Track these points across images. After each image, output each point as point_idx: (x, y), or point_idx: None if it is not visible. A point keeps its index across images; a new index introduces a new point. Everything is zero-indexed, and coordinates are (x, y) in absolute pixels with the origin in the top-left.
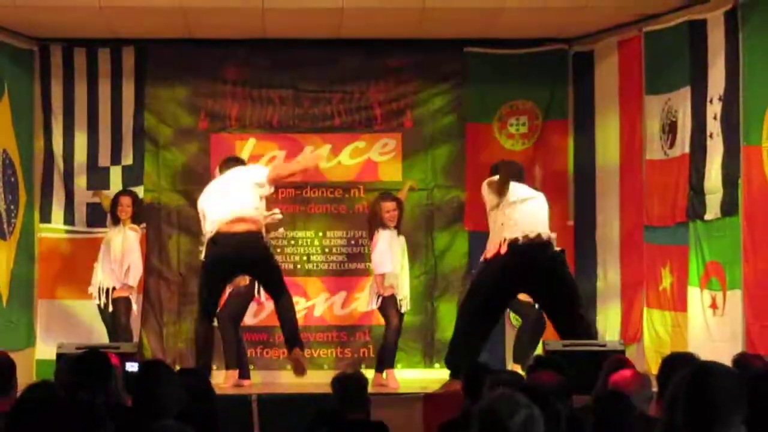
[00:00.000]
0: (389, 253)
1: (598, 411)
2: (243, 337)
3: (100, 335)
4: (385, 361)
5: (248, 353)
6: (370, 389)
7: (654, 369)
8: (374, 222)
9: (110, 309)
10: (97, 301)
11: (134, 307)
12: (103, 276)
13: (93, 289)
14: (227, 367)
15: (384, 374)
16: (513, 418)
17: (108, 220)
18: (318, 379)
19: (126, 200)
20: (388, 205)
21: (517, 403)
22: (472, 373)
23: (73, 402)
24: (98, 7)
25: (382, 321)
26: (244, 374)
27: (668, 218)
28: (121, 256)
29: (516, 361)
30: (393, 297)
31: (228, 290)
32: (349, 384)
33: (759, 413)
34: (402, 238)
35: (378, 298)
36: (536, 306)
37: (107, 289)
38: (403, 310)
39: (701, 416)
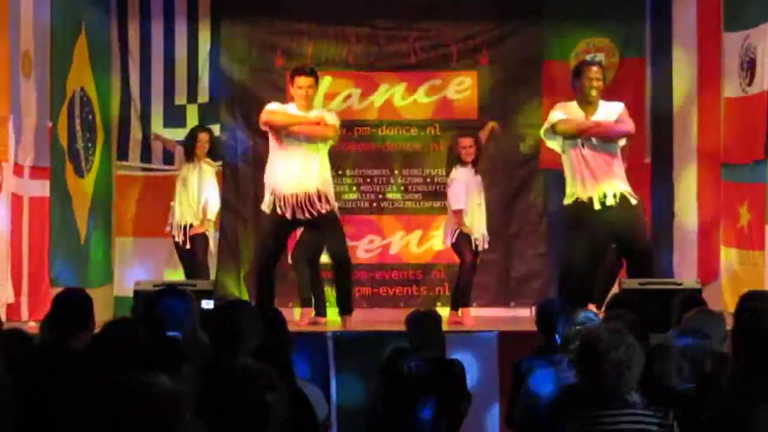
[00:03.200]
0: (464, 191)
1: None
2: (321, 275)
3: (176, 272)
4: (460, 299)
5: (325, 291)
6: (444, 327)
7: (731, 307)
8: (451, 158)
9: (188, 246)
10: (175, 239)
11: (211, 244)
12: (180, 213)
13: (171, 226)
14: (302, 305)
15: (459, 312)
16: (613, 351)
17: (180, 157)
18: (394, 317)
19: (204, 137)
20: (465, 141)
21: (621, 338)
22: (545, 311)
23: (152, 338)
24: None
25: (457, 259)
26: (321, 312)
27: (746, 156)
28: (198, 192)
29: (592, 300)
30: (467, 236)
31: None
32: (423, 322)
33: None
34: (479, 177)
35: (455, 234)
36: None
37: (184, 226)
38: (480, 249)
39: (754, 343)
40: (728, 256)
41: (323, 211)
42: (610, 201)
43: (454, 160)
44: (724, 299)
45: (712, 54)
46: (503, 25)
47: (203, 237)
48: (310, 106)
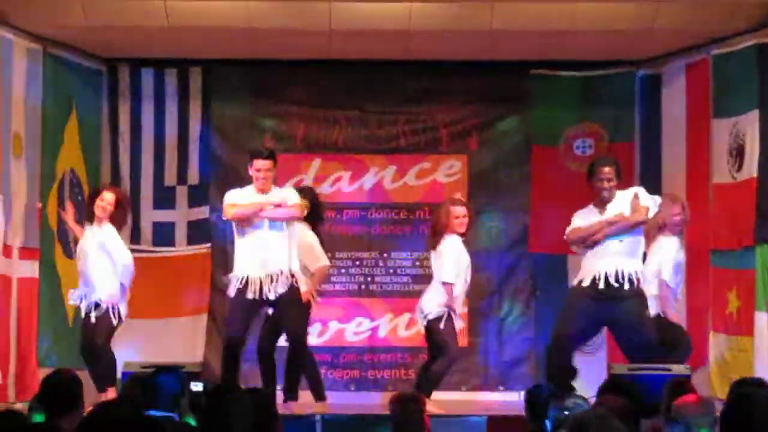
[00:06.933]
0: (458, 264)
1: None
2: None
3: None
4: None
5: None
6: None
7: (720, 393)
8: (439, 228)
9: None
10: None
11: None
12: (84, 290)
13: (74, 299)
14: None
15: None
16: None
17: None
18: (382, 400)
19: (109, 196)
20: (458, 210)
21: (608, 423)
22: (534, 396)
23: (143, 420)
24: (166, 27)
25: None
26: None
27: (735, 242)
28: (105, 259)
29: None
30: (453, 322)
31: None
32: (406, 405)
33: None
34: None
35: (444, 315)
36: None
37: (94, 302)
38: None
39: (744, 430)
40: (717, 342)
41: (286, 291)
42: (609, 283)
43: (443, 230)
44: (713, 385)
45: (701, 140)
46: (492, 109)
47: (107, 313)
48: (269, 189)
